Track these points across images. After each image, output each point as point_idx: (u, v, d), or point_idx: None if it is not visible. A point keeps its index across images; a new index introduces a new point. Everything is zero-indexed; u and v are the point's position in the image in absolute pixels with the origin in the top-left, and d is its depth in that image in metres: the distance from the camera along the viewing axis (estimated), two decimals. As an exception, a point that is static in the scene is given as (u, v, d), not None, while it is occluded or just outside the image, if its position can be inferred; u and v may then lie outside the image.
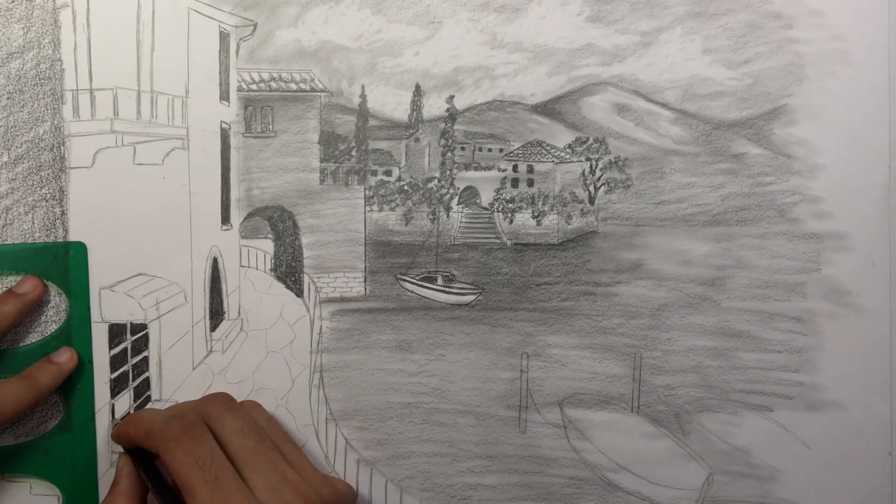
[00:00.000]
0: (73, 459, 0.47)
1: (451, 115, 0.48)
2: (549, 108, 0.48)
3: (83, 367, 0.47)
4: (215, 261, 0.49)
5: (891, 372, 0.47)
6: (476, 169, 0.49)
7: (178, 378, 0.48)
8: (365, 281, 0.48)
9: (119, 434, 0.45)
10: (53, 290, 0.47)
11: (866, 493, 0.47)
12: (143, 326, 0.48)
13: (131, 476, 0.44)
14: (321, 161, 0.48)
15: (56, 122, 0.48)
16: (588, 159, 0.48)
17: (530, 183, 0.48)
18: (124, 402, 0.48)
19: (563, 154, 0.48)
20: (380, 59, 0.48)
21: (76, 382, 0.47)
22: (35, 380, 0.45)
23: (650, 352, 0.48)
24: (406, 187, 0.49)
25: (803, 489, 0.47)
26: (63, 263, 0.47)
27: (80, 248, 0.47)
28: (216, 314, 0.49)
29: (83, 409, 0.47)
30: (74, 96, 0.48)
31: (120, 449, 0.45)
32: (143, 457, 0.44)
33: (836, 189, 0.47)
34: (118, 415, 0.47)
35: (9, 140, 0.47)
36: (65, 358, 0.46)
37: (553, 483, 0.48)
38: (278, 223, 0.49)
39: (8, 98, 0.47)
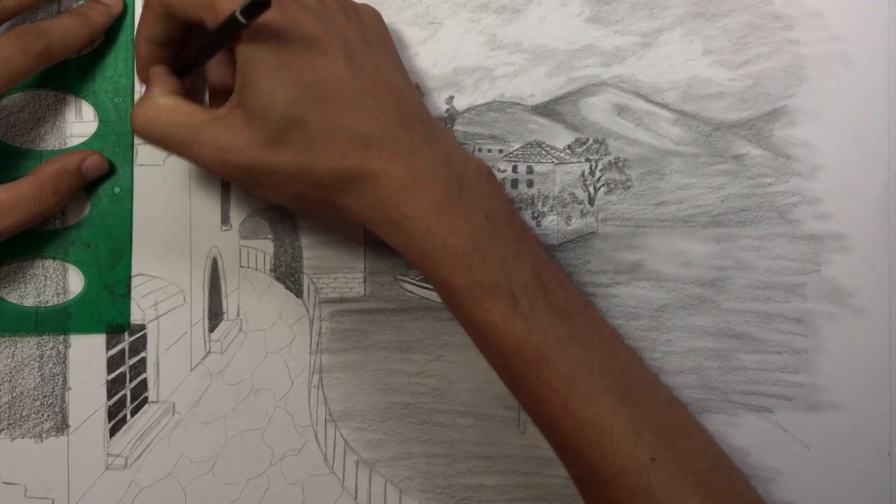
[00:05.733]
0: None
1: (451, 116, 0.48)
2: (548, 109, 0.48)
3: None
4: (214, 261, 0.49)
5: (890, 373, 0.47)
6: (476, 169, 0.49)
7: (176, 379, 0.48)
8: (365, 281, 0.48)
9: (139, 48, 0.43)
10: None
11: (866, 494, 0.47)
12: (142, 327, 0.48)
13: (166, 76, 0.42)
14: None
15: (58, 122, 0.48)
16: (588, 160, 0.48)
17: (530, 184, 0.48)
18: (121, 403, 0.48)
19: (562, 155, 0.48)
20: (380, 60, 0.48)
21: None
22: (87, 16, 0.45)
23: (650, 353, 0.48)
24: (406, 188, 0.49)
25: (803, 490, 0.47)
26: None
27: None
28: (215, 315, 0.49)
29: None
30: (77, 97, 0.48)
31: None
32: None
33: (835, 190, 0.47)
34: None
35: (9, 140, 0.47)
36: (112, 0, 0.47)
37: (552, 484, 0.48)
38: (278, 223, 0.48)
39: (8, 98, 0.47)
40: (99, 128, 0.47)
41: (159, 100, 0.40)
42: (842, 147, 0.47)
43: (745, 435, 0.47)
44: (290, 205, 0.42)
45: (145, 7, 0.42)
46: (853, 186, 0.47)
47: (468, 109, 0.49)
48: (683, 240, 0.48)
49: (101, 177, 0.47)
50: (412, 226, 0.39)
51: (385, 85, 0.40)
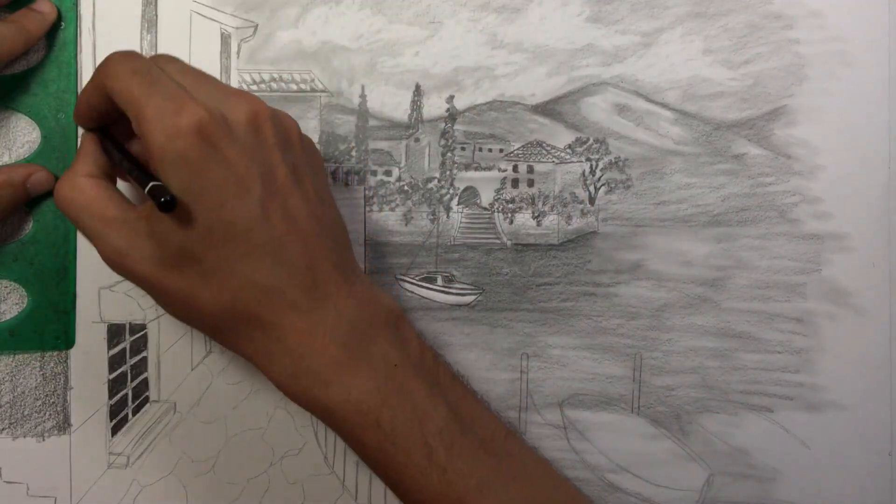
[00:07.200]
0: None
1: (452, 116, 0.48)
2: (549, 109, 0.48)
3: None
4: (215, 261, 0.49)
5: (891, 372, 0.47)
6: (476, 169, 0.49)
7: (176, 379, 0.48)
8: (365, 281, 0.48)
9: (79, 106, 0.41)
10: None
11: (866, 493, 0.47)
12: (143, 327, 0.48)
13: (95, 153, 0.41)
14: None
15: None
16: (588, 160, 0.48)
17: (530, 183, 0.48)
18: (122, 402, 0.48)
19: (563, 154, 0.48)
20: (380, 59, 0.48)
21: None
22: (22, 24, 0.45)
23: (650, 352, 0.48)
24: (406, 187, 0.49)
25: (803, 490, 0.47)
26: None
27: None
28: (216, 314, 0.49)
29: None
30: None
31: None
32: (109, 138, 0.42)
33: (836, 190, 0.47)
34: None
35: (10, 140, 0.47)
36: (46, 8, 0.46)
37: (553, 484, 0.48)
38: (278, 223, 0.48)
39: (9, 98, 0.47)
40: (41, 144, 0.47)
41: (80, 180, 0.40)
42: (842, 147, 0.47)
43: (745, 434, 0.48)
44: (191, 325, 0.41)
45: (93, 76, 0.39)
46: (853, 186, 0.47)
47: (469, 109, 0.49)
48: (684, 239, 0.48)
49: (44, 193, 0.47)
50: (311, 381, 0.38)
51: (297, 233, 0.38)
